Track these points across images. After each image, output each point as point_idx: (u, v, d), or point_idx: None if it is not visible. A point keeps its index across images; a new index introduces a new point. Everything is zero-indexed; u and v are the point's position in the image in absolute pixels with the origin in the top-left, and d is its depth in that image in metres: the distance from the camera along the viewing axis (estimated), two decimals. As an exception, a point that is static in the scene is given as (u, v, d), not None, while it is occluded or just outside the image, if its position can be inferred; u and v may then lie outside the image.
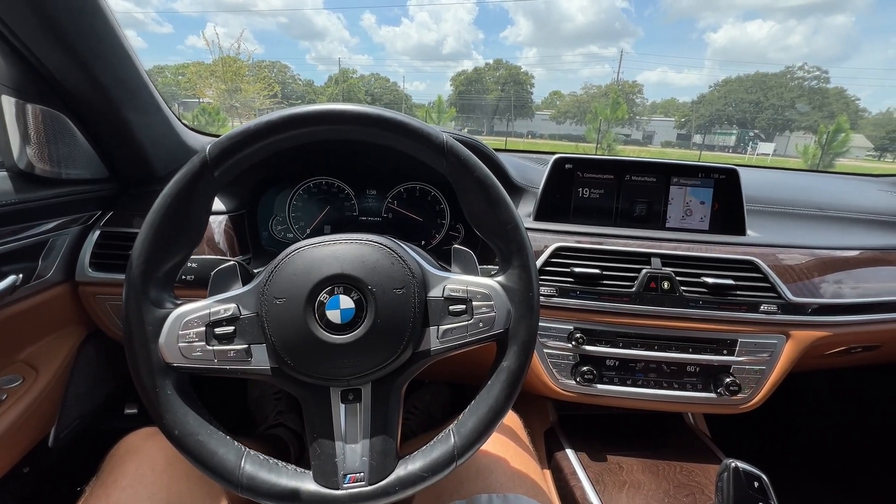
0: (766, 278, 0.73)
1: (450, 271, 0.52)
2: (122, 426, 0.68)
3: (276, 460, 0.48)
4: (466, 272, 0.53)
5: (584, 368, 0.72)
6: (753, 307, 0.72)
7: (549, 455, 0.77)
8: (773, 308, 0.72)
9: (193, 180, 0.43)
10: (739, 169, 0.80)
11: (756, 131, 53.09)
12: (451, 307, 0.49)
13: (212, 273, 0.50)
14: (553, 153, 0.82)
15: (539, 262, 0.73)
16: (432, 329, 0.48)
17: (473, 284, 0.50)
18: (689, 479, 0.71)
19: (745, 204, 0.80)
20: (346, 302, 0.44)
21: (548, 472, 0.74)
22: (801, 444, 1.36)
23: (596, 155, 0.81)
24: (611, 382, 0.73)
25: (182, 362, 0.44)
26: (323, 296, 0.44)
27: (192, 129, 0.94)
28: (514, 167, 0.87)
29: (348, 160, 0.84)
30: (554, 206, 0.80)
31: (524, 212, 0.82)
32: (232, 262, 0.51)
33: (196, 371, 0.45)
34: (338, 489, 0.46)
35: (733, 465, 0.49)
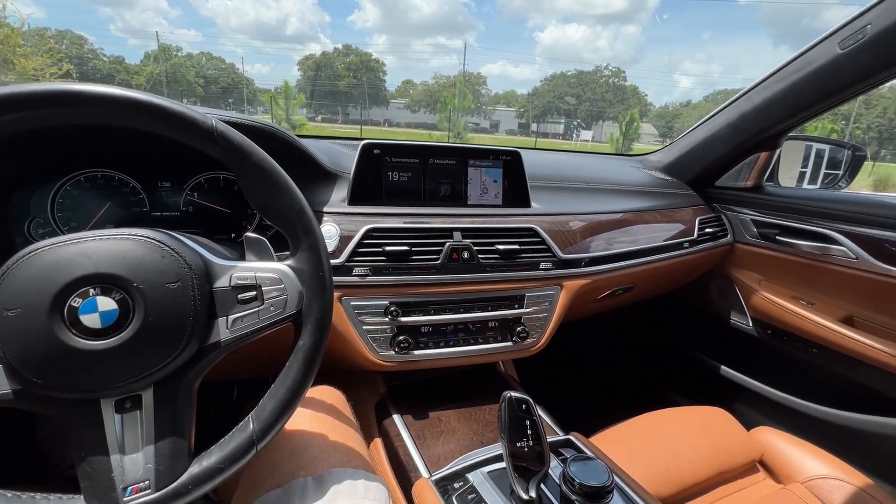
0: (543, 241, 0.88)
1: (240, 260, 0.52)
2: None
3: (33, 494, 0.42)
4: (262, 260, 0.53)
5: (401, 338, 0.78)
6: (535, 266, 0.87)
7: (379, 424, 0.82)
8: (549, 265, 0.88)
9: None
10: (523, 151, 0.95)
11: (578, 121, 62.03)
12: (239, 295, 0.48)
13: None
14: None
15: (352, 244, 0.76)
16: (221, 320, 0.48)
17: (262, 270, 0.50)
18: (495, 416, 0.83)
19: (528, 181, 0.94)
20: (106, 303, 0.41)
21: (379, 440, 0.79)
22: (592, 372, 1.74)
23: (402, 140, 0.87)
24: (426, 347, 0.81)
25: None
26: (74, 300, 0.40)
27: None
28: (324, 153, 0.88)
29: (132, 148, 0.74)
30: (366, 190, 0.84)
31: (339, 197, 0.84)
32: None
33: None
34: None
35: (508, 395, 0.59)
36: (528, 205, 0.94)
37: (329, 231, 0.77)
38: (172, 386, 0.46)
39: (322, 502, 0.51)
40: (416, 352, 0.80)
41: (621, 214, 1.08)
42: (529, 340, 0.87)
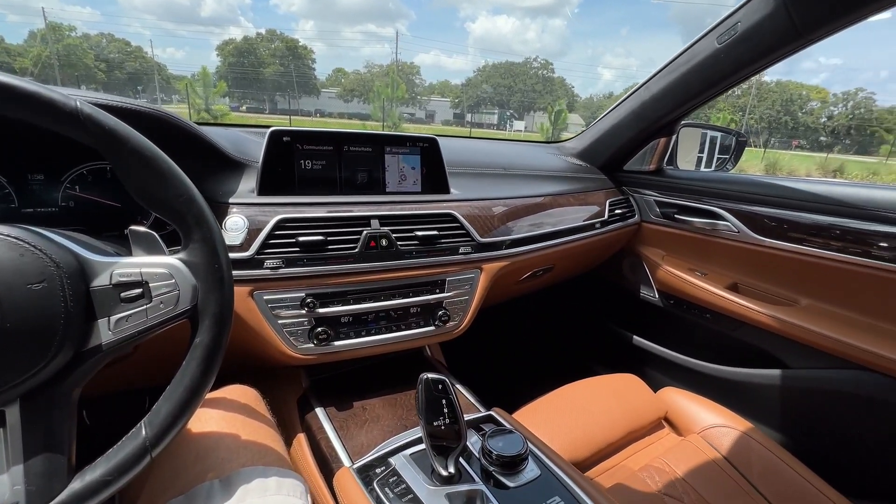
0: (462, 226, 0.90)
1: (125, 256, 0.47)
2: None
3: None
4: (152, 255, 0.49)
5: (319, 329, 0.76)
6: (454, 250, 0.88)
7: (302, 419, 0.80)
8: (469, 249, 0.90)
9: None
10: (453, 140, 0.96)
11: (511, 111, 63.67)
12: (123, 294, 0.45)
13: None
14: None
15: (262, 236, 0.73)
16: (102, 322, 0.44)
17: (149, 265, 0.46)
18: None
19: (447, 168, 0.96)
20: None
21: (302, 435, 0.77)
22: (518, 351, 1.83)
23: (313, 128, 0.84)
24: (347, 337, 0.80)
25: None
26: None
27: None
28: (230, 141, 0.83)
29: None
30: (277, 179, 0.80)
31: (247, 187, 0.80)
32: None
33: None
34: None
35: (424, 377, 0.60)
36: (447, 191, 0.95)
37: (236, 223, 0.73)
38: (45, 397, 0.41)
39: (230, 503, 0.49)
40: (337, 342, 0.79)
41: (538, 198, 1.13)
42: (451, 323, 0.89)
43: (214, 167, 0.79)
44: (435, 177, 0.94)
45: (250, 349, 0.78)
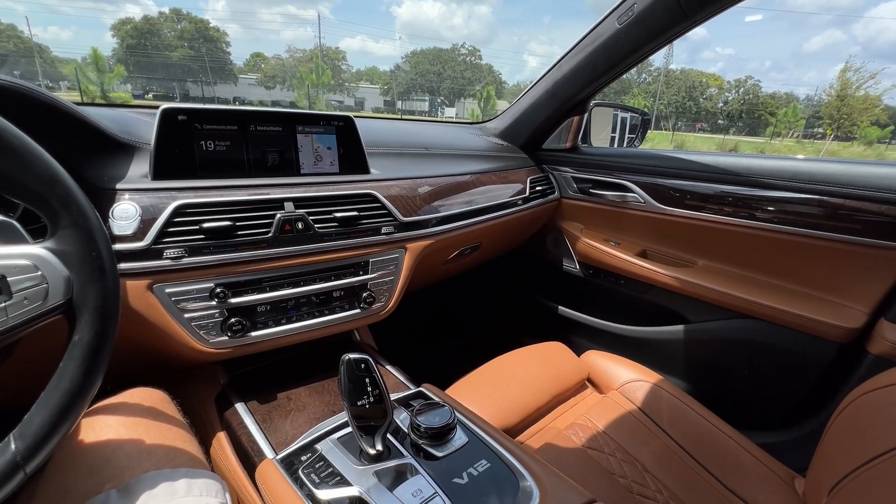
0: (383, 206, 0.89)
1: None
2: None
3: None
4: (9, 245, 0.43)
5: (233, 320, 0.72)
6: (376, 231, 0.87)
7: (221, 417, 0.76)
8: (391, 229, 0.89)
9: None
10: (359, 119, 0.93)
11: (442, 98, 63.69)
12: None
13: None
14: None
15: (159, 224, 0.67)
16: None
17: (6, 257, 0.40)
18: None
19: (366, 148, 0.93)
20: None
21: (223, 433, 0.72)
22: (450, 329, 1.88)
23: (211, 105, 0.78)
24: (265, 326, 0.76)
25: None
26: None
27: None
28: (115, 122, 0.74)
29: None
30: (174, 162, 0.73)
31: (139, 172, 0.72)
32: None
33: None
34: None
35: (346, 357, 0.59)
36: (366, 171, 0.93)
37: (126, 210, 0.66)
38: None
39: None
40: (254, 333, 0.75)
41: (461, 177, 1.14)
42: (377, 305, 0.88)
43: (96, 150, 0.70)
44: (353, 157, 0.91)
45: (155, 348, 0.71)
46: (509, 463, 0.62)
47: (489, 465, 0.61)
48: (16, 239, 0.44)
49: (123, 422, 0.56)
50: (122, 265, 0.64)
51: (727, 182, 1.10)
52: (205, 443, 0.68)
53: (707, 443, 0.89)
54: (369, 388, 0.59)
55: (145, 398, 0.62)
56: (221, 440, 0.71)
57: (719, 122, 58.07)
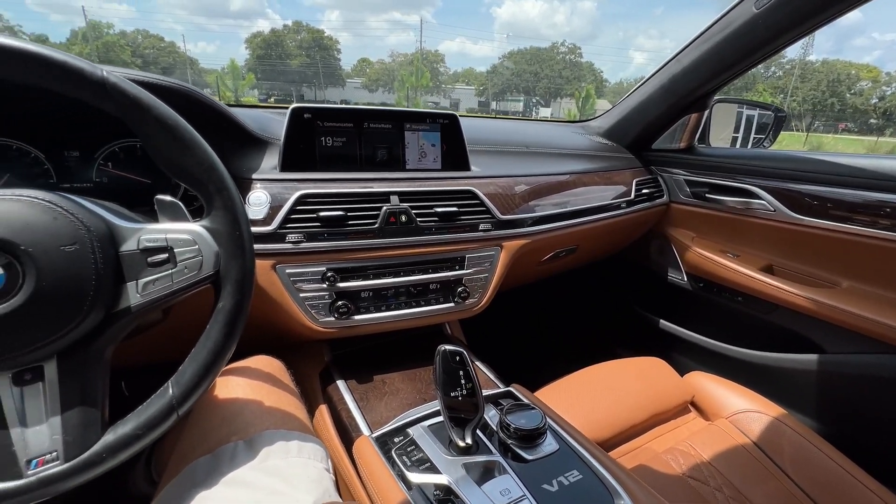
0: (482, 203, 0.89)
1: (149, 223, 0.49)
2: None
3: None
4: (176, 222, 0.51)
5: (340, 303, 0.78)
6: (474, 227, 0.88)
7: (324, 391, 0.82)
8: (489, 226, 0.89)
9: None
10: (462, 118, 0.95)
11: (537, 98, 62.42)
12: (150, 258, 0.46)
13: None
14: None
15: (284, 210, 0.74)
16: (130, 284, 0.45)
17: (174, 231, 0.48)
18: None
19: (468, 145, 0.94)
20: None
21: (324, 406, 0.79)
22: (540, 332, 1.82)
23: (331, 104, 0.85)
24: (367, 311, 0.81)
25: None
26: None
27: None
28: (254, 120, 0.84)
29: (32, 114, 0.68)
30: (299, 156, 0.81)
31: (270, 164, 0.81)
32: None
33: None
34: (20, 478, 0.41)
35: (442, 349, 0.60)
36: (467, 168, 0.94)
37: (259, 198, 0.74)
38: (79, 354, 0.44)
39: (253, 463, 0.51)
40: (357, 317, 0.80)
41: (562, 177, 1.10)
42: (471, 301, 0.89)
43: (239, 144, 0.80)
44: (455, 154, 0.93)
45: (274, 322, 0.79)
46: (603, 478, 0.58)
47: (581, 476, 0.58)
48: (180, 217, 0.52)
49: (249, 383, 0.64)
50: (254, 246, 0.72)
51: (884, 189, 0.92)
52: (309, 412, 0.75)
53: (839, 492, 0.76)
54: (462, 381, 0.60)
55: (265, 365, 0.70)
56: (323, 412, 0.77)
57: (871, 121, 49.01)
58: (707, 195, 1.23)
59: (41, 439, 0.42)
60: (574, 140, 1.34)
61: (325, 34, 60.73)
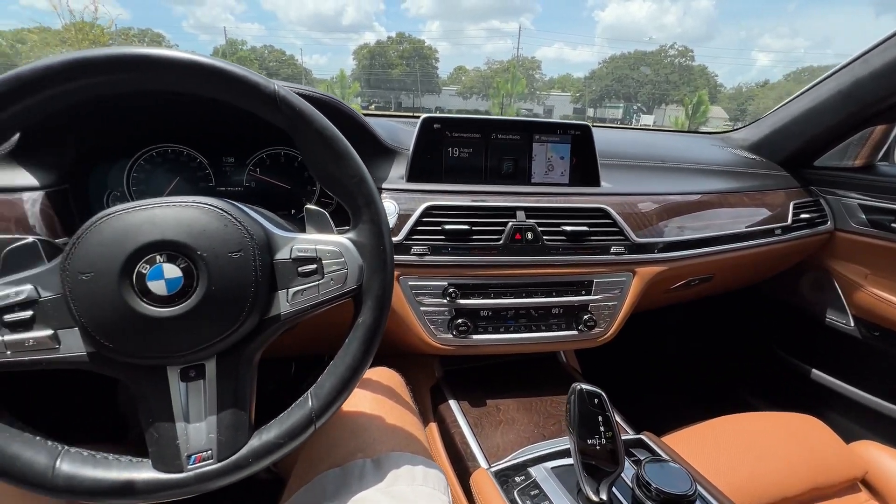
0: (615, 223, 0.81)
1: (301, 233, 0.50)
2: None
3: (106, 454, 0.43)
4: (322, 233, 0.51)
5: (459, 321, 0.75)
6: (605, 250, 0.80)
7: (434, 408, 0.80)
8: (621, 249, 0.81)
9: None
10: (592, 128, 0.87)
11: (639, 104, 58.68)
12: (300, 268, 0.47)
13: (1, 253, 0.42)
14: None
15: (411, 222, 0.74)
16: (282, 293, 0.46)
17: (323, 243, 0.48)
18: (557, 409, 0.78)
19: (598, 158, 0.87)
20: (172, 271, 0.40)
21: (434, 425, 0.76)
22: (661, 368, 1.61)
23: (462, 115, 0.82)
24: (485, 332, 0.77)
25: None
26: (142, 266, 0.39)
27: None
28: (384, 130, 0.85)
29: (198, 124, 0.76)
30: (426, 166, 0.80)
31: (397, 174, 0.81)
32: (31, 240, 0.43)
33: None
34: (181, 472, 0.43)
35: (578, 387, 0.54)
36: (597, 184, 0.87)
37: (388, 208, 0.74)
38: (234, 357, 0.45)
39: (382, 485, 0.49)
40: (475, 336, 0.76)
41: (703, 196, 0.97)
42: (597, 330, 0.81)
43: (371, 153, 0.82)
44: (585, 168, 0.86)
45: (394, 332, 0.79)
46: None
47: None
48: (326, 227, 0.52)
49: (373, 397, 0.63)
50: None
51: None
52: None
53: None
54: (602, 429, 0.53)
55: (387, 378, 0.69)
56: (434, 433, 0.74)
57: None
58: (893, 225, 1.01)
59: (200, 436, 0.44)
60: (714, 154, 1.19)
61: (426, 44, 63.27)
